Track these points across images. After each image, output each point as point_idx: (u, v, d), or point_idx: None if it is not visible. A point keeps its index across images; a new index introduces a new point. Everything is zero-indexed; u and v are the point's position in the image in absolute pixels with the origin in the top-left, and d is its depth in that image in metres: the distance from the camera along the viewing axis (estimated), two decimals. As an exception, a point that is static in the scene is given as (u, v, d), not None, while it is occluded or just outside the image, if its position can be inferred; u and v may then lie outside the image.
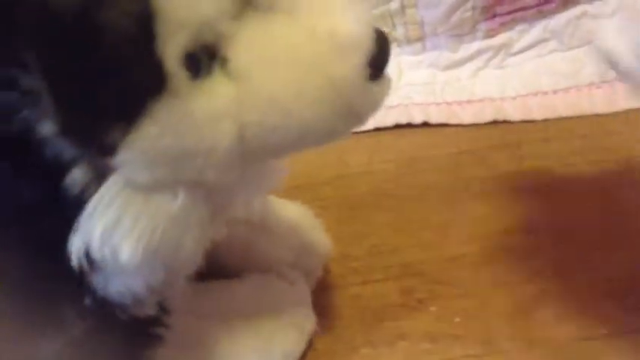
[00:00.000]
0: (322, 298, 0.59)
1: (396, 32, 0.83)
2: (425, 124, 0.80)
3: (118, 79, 0.32)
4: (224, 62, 0.35)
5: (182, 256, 0.39)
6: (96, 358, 0.43)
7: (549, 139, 0.77)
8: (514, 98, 0.82)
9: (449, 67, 0.84)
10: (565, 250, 0.61)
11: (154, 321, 0.44)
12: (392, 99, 0.82)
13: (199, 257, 0.42)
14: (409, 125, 0.80)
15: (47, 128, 0.34)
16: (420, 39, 0.84)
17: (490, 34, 0.83)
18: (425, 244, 0.64)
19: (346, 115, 0.38)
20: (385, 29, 0.72)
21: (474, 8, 0.82)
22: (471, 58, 0.83)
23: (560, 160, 0.73)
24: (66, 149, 0.35)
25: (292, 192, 0.61)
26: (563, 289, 0.57)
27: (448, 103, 0.82)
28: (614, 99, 0.82)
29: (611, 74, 0.82)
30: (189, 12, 0.32)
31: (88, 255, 0.36)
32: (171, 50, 0.32)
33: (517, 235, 0.63)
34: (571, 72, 0.83)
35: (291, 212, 0.60)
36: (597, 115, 0.81)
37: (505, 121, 0.80)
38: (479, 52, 0.83)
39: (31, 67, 0.32)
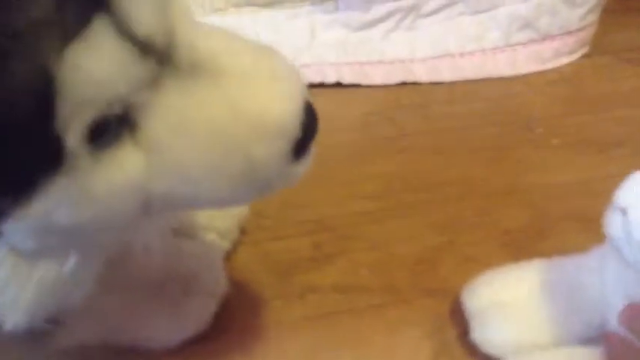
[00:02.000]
0: (233, 255, 0.60)
1: (310, -9, 0.84)
2: (337, 84, 0.82)
3: (7, 156, 0.29)
4: (134, 129, 0.32)
5: (72, 302, 0.37)
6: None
7: (455, 101, 0.81)
8: (423, 60, 0.85)
9: (361, 27, 0.85)
10: (465, 205, 0.64)
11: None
12: (305, 58, 0.83)
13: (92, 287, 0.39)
14: (322, 85, 0.81)
15: None
16: (333, -2, 0.85)
17: (401, -5, 0.84)
18: (334, 200, 0.66)
19: (261, 190, 0.36)
20: None
21: (385, -32, 0.84)
22: (382, 19, 0.85)
23: (464, 120, 0.76)
24: None
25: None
26: (463, 241, 0.60)
27: (360, 64, 0.84)
28: (517, 63, 0.86)
29: (515, 39, 0.86)
30: (99, 89, 0.29)
31: None
32: (73, 127, 0.29)
33: (421, 192, 0.66)
34: (476, 35, 0.86)
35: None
36: (501, 78, 0.85)
37: (414, 83, 0.83)
38: (390, 14, 0.85)
39: None
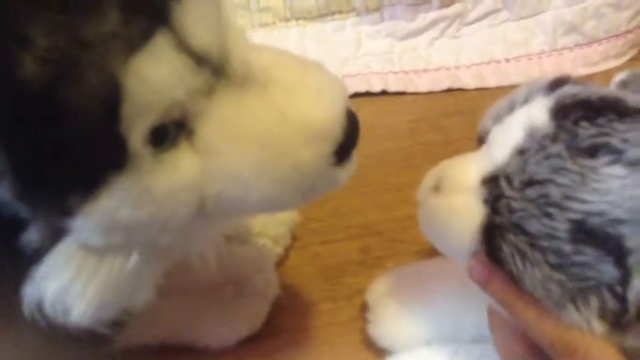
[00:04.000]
0: (285, 259, 0.62)
1: (355, 2, 0.85)
2: (383, 93, 0.83)
3: (77, 156, 0.31)
4: (191, 134, 0.35)
5: (135, 302, 0.39)
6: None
7: (501, 106, 0.81)
8: (469, 67, 0.86)
9: (406, 36, 0.86)
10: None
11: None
12: (351, 68, 0.85)
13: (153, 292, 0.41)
14: (368, 93, 0.83)
15: (3, 192, 0.33)
16: (378, 9, 0.86)
17: (445, 3, 0.85)
18: (383, 205, 0.67)
19: (307, 194, 0.38)
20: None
21: (429, -22, 0.85)
22: (427, 28, 0.86)
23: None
24: (22, 210, 0.34)
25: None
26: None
27: (405, 72, 0.85)
28: (564, 67, 0.86)
29: (561, 43, 0.86)
30: (160, 96, 0.31)
31: (39, 307, 0.36)
32: (136, 130, 0.32)
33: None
34: (522, 41, 0.86)
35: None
36: (547, 82, 0.84)
37: (460, 89, 0.83)
38: (434, 22, 0.86)
39: None
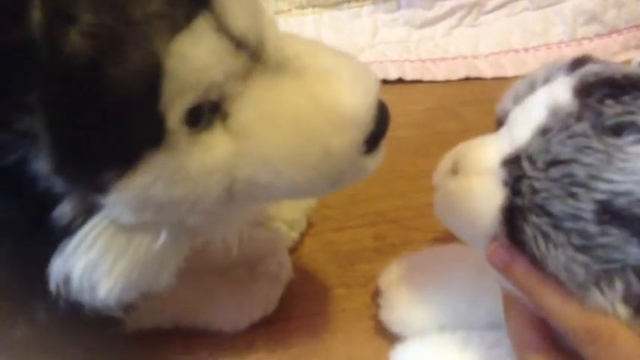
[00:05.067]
0: (299, 245, 0.61)
1: (372, -10, 0.85)
2: (400, 81, 0.82)
3: (116, 130, 0.32)
4: (225, 117, 0.35)
5: (159, 283, 0.39)
6: (64, 342, 0.44)
7: (519, 95, 0.80)
8: (486, 56, 0.85)
9: (423, 25, 0.86)
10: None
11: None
12: (367, 56, 0.84)
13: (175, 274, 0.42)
14: (384, 81, 0.82)
15: (40, 165, 0.34)
16: (395, -3, 0.86)
17: (463, -9, 0.85)
18: (399, 193, 0.66)
19: (335, 181, 0.38)
20: None
21: (447, -34, 0.84)
22: (444, 16, 0.85)
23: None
24: (57, 184, 0.35)
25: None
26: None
27: (422, 60, 0.85)
28: (583, 57, 0.84)
29: (580, 33, 0.85)
30: (199, 76, 0.32)
31: (66, 282, 0.36)
32: (175, 109, 0.32)
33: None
34: (541, 30, 0.85)
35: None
36: (566, 73, 0.83)
37: (477, 78, 0.82)
38: (452, 11, 0.85)
39: (32, 108, 0.31)
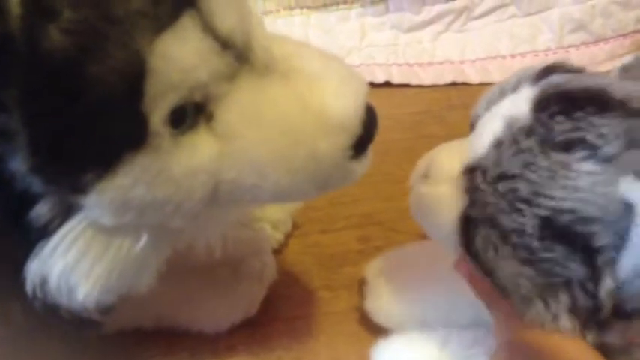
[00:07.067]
0: (284, 246, 0.61)
1: (360, -7, 0.85)
2: (386, 84, 0.82)
3: (96, 130, 0.31)
4: (210, 118, 0.34)
5: (138, 286, 0.39)
6: (41, 343, 0.43)
7: (506, 101, 0.80)
8: (473, 61, 0.85)
9: (411, 29, 0.86)
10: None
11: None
12: (355, 58, 0.84)
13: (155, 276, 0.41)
14: (371, 84, 0.82)
15: (17, 164, 0.33)
16: (384, 0, 0.85)
17: (452, -4, 0.85)
18: (384, 196, 0.66)
19: (321, 186, 0.38)
20: None
21: (436, -29, 0.84)
22: (432, 21, 0.85)
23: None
24: (34, 184, 0.34)
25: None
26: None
27: (409, 64, 0.84)
28: (569, 65, 0.85)
29: (567, 41, 0.85)
30: (183, 76, 0.32)
31: (43, 284, 0.35)
32: (158, 109, 0.32)
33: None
34: (529, 37, 0.85)
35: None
36: (552, 80, 0.84)
37: (464, 83, 0.83)
38: (440, 16, 0.85)
39: (8, 106, 0.31)
